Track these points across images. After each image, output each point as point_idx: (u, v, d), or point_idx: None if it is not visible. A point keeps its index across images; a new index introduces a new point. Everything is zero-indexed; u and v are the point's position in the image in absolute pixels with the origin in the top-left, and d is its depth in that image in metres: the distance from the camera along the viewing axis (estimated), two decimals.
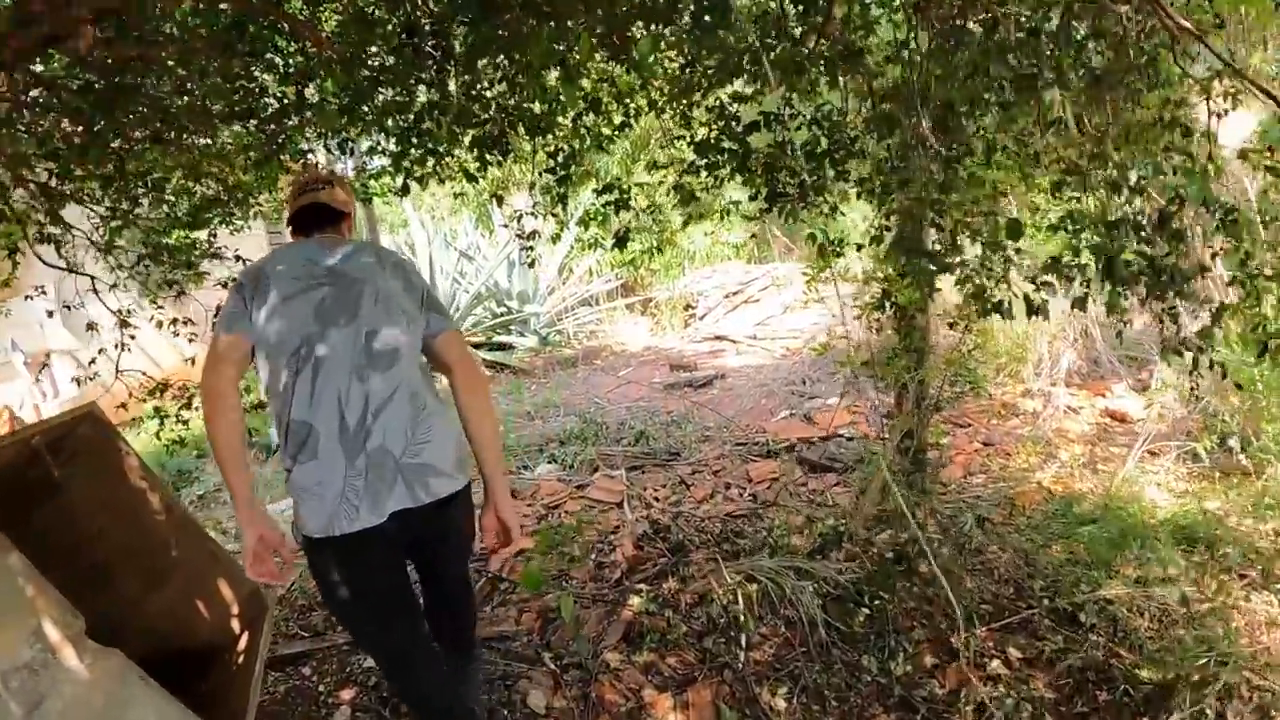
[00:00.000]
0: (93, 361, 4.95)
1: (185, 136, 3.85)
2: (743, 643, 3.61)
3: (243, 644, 3.57)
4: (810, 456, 6.02)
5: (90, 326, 5.09)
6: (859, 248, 3.61)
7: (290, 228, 2.61)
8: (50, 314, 5.51)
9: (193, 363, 4.68)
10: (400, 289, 2.45)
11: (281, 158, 4.27)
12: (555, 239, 12.51)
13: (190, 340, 4.96)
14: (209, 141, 4.18)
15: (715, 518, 5.07)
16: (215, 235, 5.09)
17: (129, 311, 4.85)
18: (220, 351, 2.28)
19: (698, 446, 6.61)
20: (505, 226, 11.89)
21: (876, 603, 3.76)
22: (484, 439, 2.52)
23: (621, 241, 4.22)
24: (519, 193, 11.54)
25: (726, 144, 3.93)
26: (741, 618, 3.66)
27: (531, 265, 7.59)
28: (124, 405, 4.68)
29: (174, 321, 4.90)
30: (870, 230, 3.51)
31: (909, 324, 4.01)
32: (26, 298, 5.30)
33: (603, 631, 3.81)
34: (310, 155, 4.45)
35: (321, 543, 2.30)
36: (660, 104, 4.17)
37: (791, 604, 3.75)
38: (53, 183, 3.98)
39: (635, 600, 4.01)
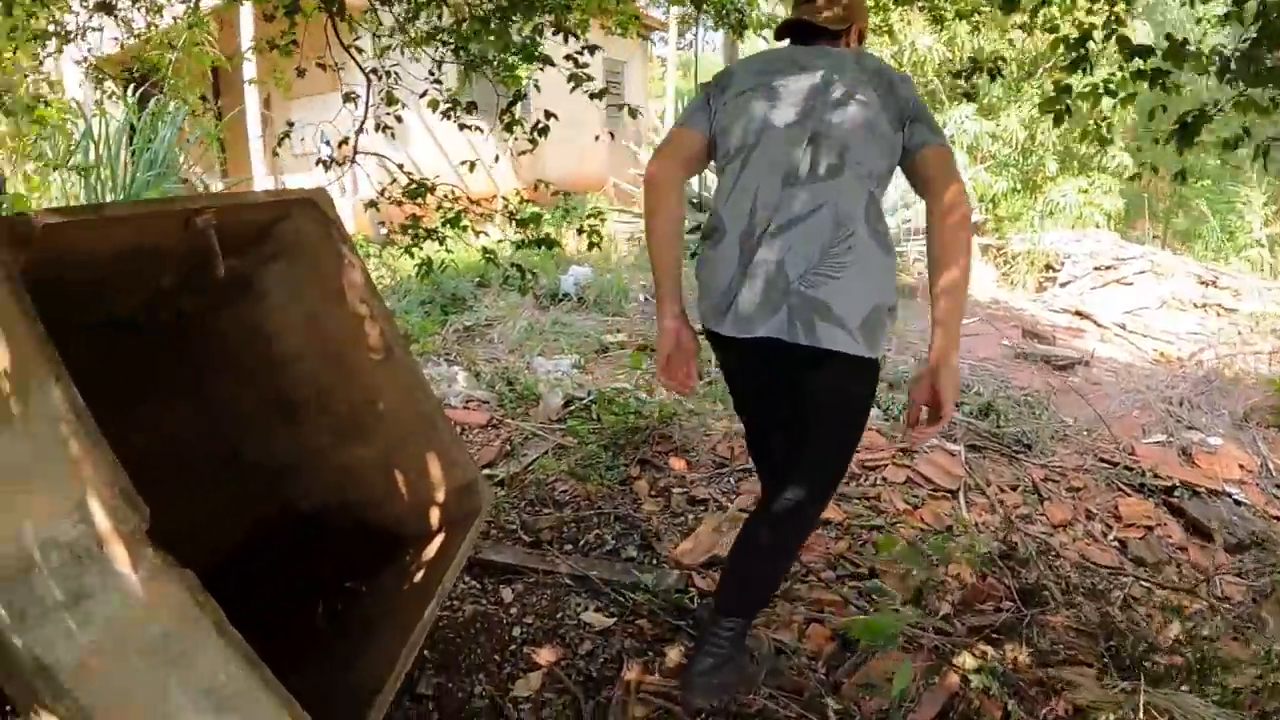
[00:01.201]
0: (401, 166, 4.37)
1: None
2: None
3: (435, 545, 2.66)
4: (1192, 511, 4.28)
5: (381, 127, 4.36)
6: None
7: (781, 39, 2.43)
8: (364, 115, 4.90)
9: (470, 169, 3.79)
10: (875, 99, 2.14)
11: None
12: None
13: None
14: None
15: (1075, 560, 3.63)
16: None
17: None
18: (669, 144, 2.30)
19: (1053, 445, 5.04)
20: None
21: None
22: (947, 276, 2.07)
23: None
24: None
25: None
26: None
27: None
28: (414, 217, 3.86)
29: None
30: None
31: None
32: (345, 98, 4.66)
33: (914, 693, 2.50)
34: None
35: (706, 330, 2.30)
36: None
37: None
38: None
39: (967, 659, 2.71)
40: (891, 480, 4.09)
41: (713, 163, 2.32)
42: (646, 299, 7.75)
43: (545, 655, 2.68)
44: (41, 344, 1.40)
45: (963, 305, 2.09)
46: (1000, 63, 4.48)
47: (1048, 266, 11.95)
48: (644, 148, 12.88)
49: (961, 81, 4.63)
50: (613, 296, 7.44)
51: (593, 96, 3.87)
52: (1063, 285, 11.27)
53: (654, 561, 3.27)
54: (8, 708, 2.32)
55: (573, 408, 4.80)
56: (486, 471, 4.06)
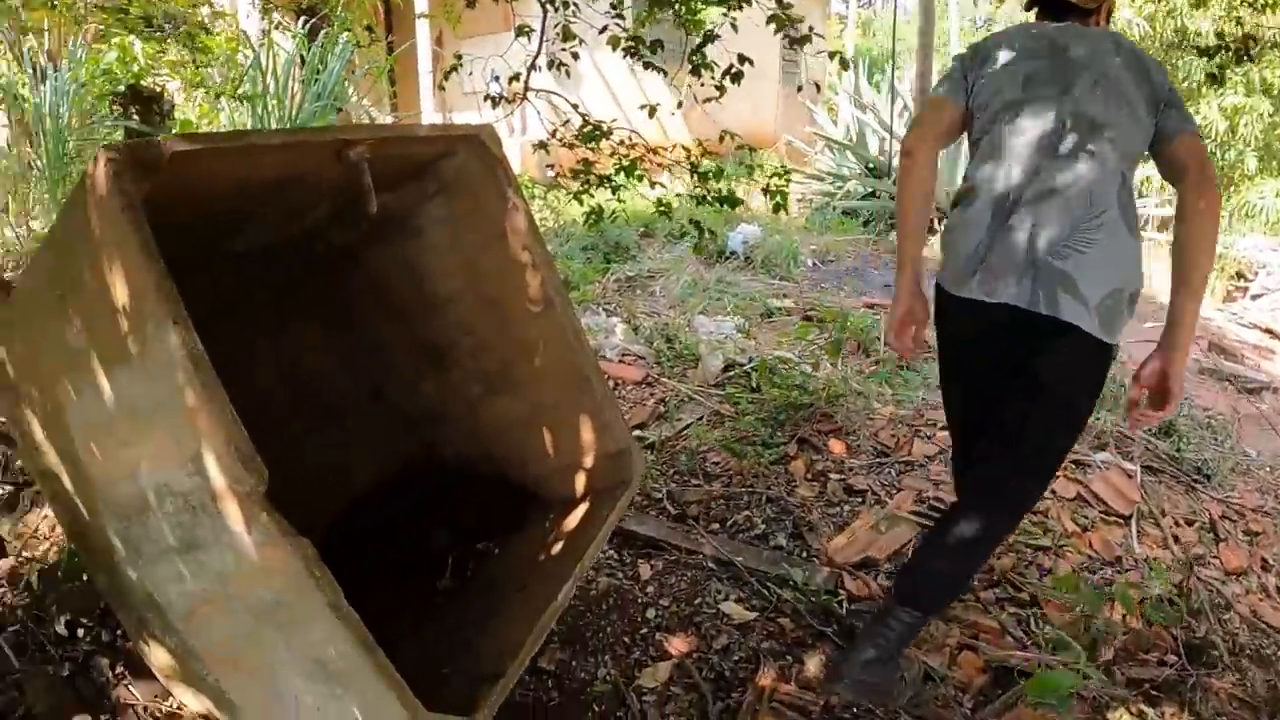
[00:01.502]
0: (576, 106, 4.20)
1: None
2: None
3: (577, 515, 2.49)
4: None
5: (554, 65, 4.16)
6: None
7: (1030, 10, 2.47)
8: (539, 49, 4.74)
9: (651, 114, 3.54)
10: (1131, 81, 2.15)
11: None
12: None
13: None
14: None
15: (1246, 615, 3.08)
16: None
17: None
18: (924, 113, 2.38)
19: (1233, 479, 4.35)
20: None
21: None
22: (1189, 260, 2.07)
23: None
24: None
25: None
26: None
27: None
28: (586, 162, 3.65)
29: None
30: None
31: None
32: (518, 31, 4.51)
33: None
34: None
35: (942, 292, 2.29)
36: None
37: None
38: None
39: (1124, 717, 2.35)
40: (1062, 495, 3.62)
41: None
42: (815, 265, 7.35)
43: (677, 644, 2.49)
44: (160, 282, 1.28)
45: (1201, 290, 2.11)
46: (1250, 41, 3.84)
47: (1239, 275, 10.69)
48: (820, 105, 12.22)
49: (1204, 61, 3.97)
50: (781, 259, 7.06)
51: (794, 43, 3.53)
52: (1254, 298, 9.95)
53: (804, 554, 3.01)
54: (118, 632, 2.38)
55: (732, 373, 4.54)
56: (637, 433, 3.89)
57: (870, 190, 8.94)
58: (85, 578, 2.29)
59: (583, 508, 2.51)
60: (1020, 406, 2.24)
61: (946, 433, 3.89)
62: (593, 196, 3.39)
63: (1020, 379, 2.23)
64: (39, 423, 1.73)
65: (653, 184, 3.35)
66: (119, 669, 2.26)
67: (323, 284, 2.71)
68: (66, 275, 1.44)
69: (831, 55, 3.30)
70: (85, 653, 2.30)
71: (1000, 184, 2.15)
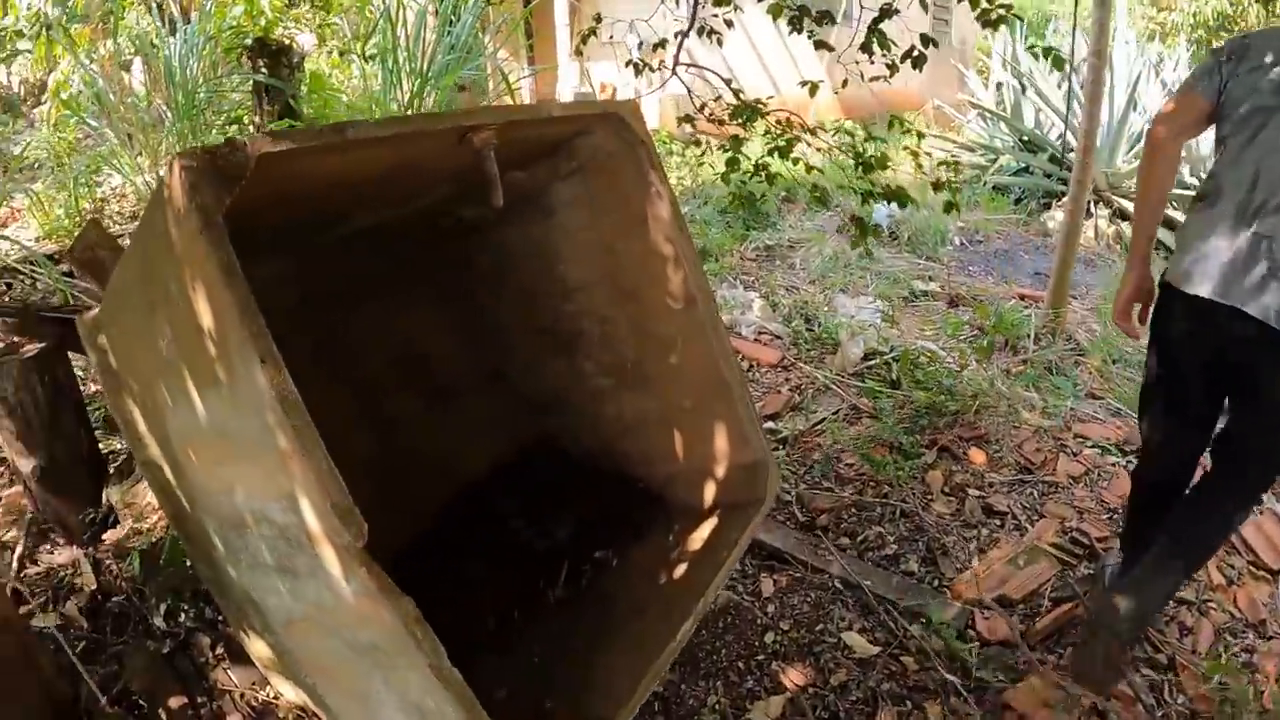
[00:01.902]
0: (730, 81, 3.79)
1: None
2: None
3: (705, 531, 2.33)
4: None
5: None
6: None
7: None
8: (692, 14, 4.44)
9: (812, 93, 3.22)
10: None
11: None
12: None
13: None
14: None
15: None
16: None
17: None
18: (1174, 105, 2.31)
19: None
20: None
21: None
22: None
23: None
24: None
25: None
26: None
27: None
28: (736, 139, 3.35)
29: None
30: None
31: None
32: None
33: None
34: None
35: (1168, 287, 2.26)
36: None
37: None
38: None
39: None
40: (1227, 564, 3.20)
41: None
42: (963, 244, 6.84)
43: (793, 676, 2.31)
44: (244, 316, 1.14)
45: None
46: None
47: None
48: (970, 70, 11.33)
49: None
50: (928, 237, 6.59)
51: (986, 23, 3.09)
52: None
53: (935, 582, 2.76)
54: (220, 616, 2.37)
55: (873, 363, 4.25)
56: (770, 425, 3.68)
57: (1024, 165, 8.24)
58: (187, 562, 2.27)
59: (710, 523, 2.34)
60: (1239, 425, 2.31)
61: (1094, 452, 3.57)
62: (744, 182, 3.11)
63: (1240, 387, 2.26)
64: (140, 415, 1.67)
65: (809, 169, 3.05)
66: (219, 650, 2.26)
67: (445, 261, 2.59)
68: (155, 282, 1.32)
69: (985, 17, 2.85)
70: (187, 630, 2.30)
71: (1245, 188, 2.11)
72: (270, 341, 1.15)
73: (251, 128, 4.44)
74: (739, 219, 6.30)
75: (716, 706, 2.20)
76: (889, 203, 2.97)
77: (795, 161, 2.98)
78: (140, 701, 2.17)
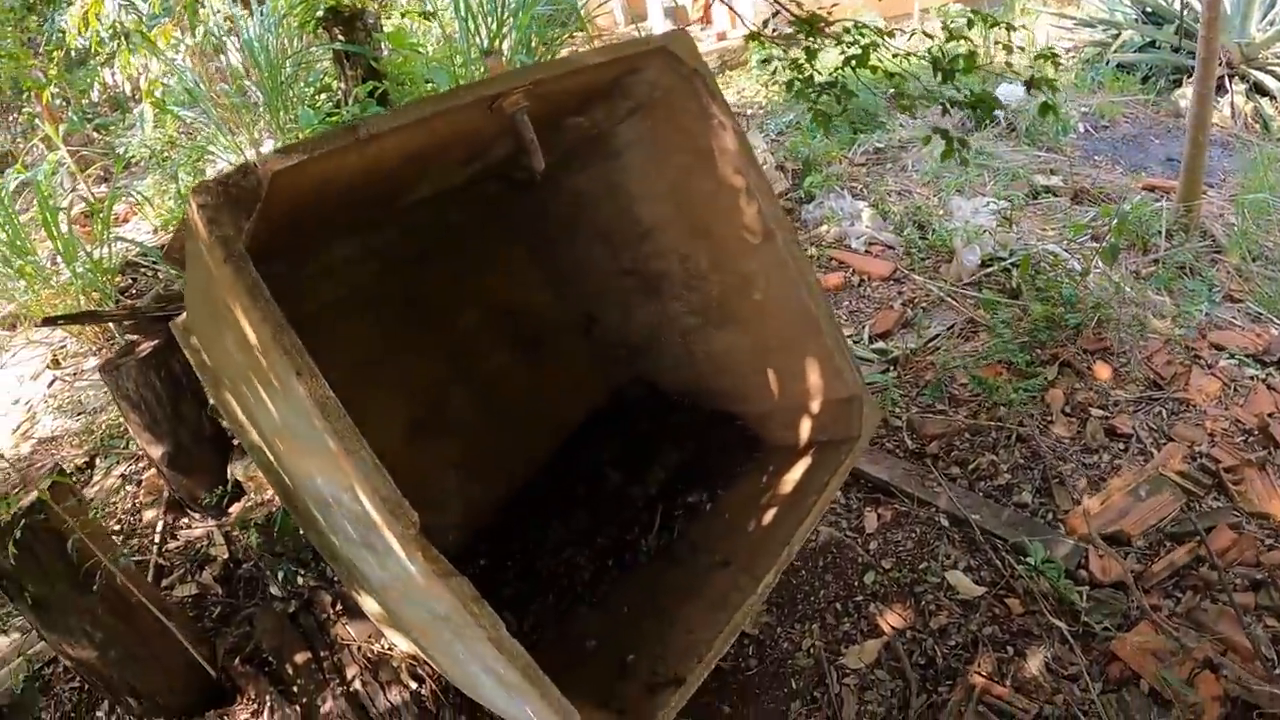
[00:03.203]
0: None
1: None
2: None
3: (799, 469, 2.26)
4: None
5: None
6: None
7: None
8: None
9: None
10: None
11: None
12: None
13: None
14: None
15: None
16: None
17: None
18: None
19: None
20: None
21: None
22: None
23: None
24: None
25: None
26: None
27: None
28: (809, 51, 3.08)
29: None
30: None
31: None
32: None
33: None
34: None
35: None
36: None
37: None
38: None
39: None
40: None
41: None
42: (1087, 130, 6.28)
43: (891, 619, 2.25)
44: (276, 334, 1.19)
45: None
46: None
47: None
48: None
49: None
50: (1048, 126, 6.07)
51: None
52: None
53: (1049, 515, 2.62)
54: (335, 580, 2.49)
55: (990, 270, 4.00)
56: (880, 345, 3.57)
57: (1149, 40, 7.38)
58: (300, 531, 2.40)
59: (804, 463, 2.27)
60: None
61: (1230, 364, 3.26)
62: (814, 101, 2.89)
63: None
64: (237, 405, 1.76)
65: (890, 75, 2.79)
66: (338, 607, 2.39)
67: (523, 213, 2.58)
68: (209, 296, 1.39)
69: None
70: (310, 589, 2.44)
71: None
72: (303, 355, 1.19)
73: (340, 94, 4.52)
74: (846, 123, 5.96)
75: (811, 650, 2.18)
76: (1028, 90, 2.64)
77: (874, 70, 2.75)
78: (269, 659, 2.33)
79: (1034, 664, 2.13)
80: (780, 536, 1.93)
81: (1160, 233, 4.21)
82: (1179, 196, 4.33)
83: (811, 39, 2.65)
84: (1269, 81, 6.36)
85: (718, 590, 1.88)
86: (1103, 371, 3.22)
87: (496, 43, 4.83)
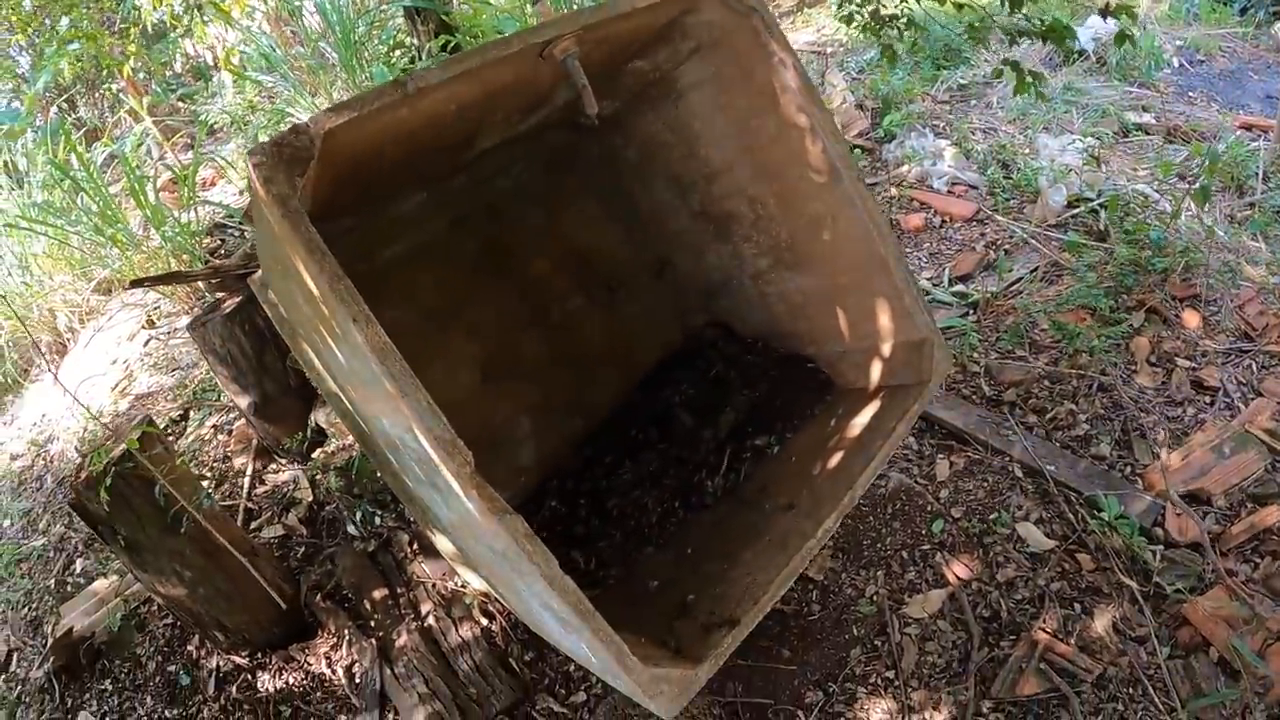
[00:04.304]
0: None
1: None
2: None
3: (868, 413, 2.23)
4: None
5: None
6: None
7: None
8: None
9: None
10: None
11: None
12: None
13: None
14: None
15: None
16: None
17: None
18: None
19: None
20: None
21: None
22: None
23: None
24: None
25: None
26: None
27: None
28: None
29: None
30: None
31: None
32: None
33: None
34: None
35: None
36: None
37: None
38: None
39: None
40: None
41: None
42: (1182, 65, 5.91)
43: (957, 570, 2.22)
44: (334, 284, 1.24)
45: None
46: None
47: None
48: None
49: None
50: (1140, 60, 5.73)
51: None
52: None
53: (1128, 468, 2.53)
54: (411, 521, 2.58)
55: (1078, 210, 3.84)
56: (959, 289, 3.48)
57: None
58: (378, 474, 2.49)
59: (874, 407, 2.24)
60: None
61: None
62: (876, 35, 2.77)
63: None
64: (312, 354, 1.83)
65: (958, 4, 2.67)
66: (414, 546, 2.47)
67: (592, 159, 2.59)
68: (276, 252, 1.45)
69: None
70: (389, 529, 2.54)
71: None
72: (359, 302, 1.24)
73: (414, 50, 4.57)
74: (929, 58, 5.74)
75: (874, 598, 2.17)
76: (1105, 17, 2.51)
77: (942, 1, 2.64)
78: (349, 595, 2.44)
79: (1101, 623, 2.08)
80: (845, 481, 1.92)
81: (1257, 174, 3.97)
82: (1276, 136, 4.06)
83: None
84: None
85: (780, 534, 1.88)
86: (1191, 320, 3.08)
87: None
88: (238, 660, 2.47)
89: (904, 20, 2.69)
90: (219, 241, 4.63)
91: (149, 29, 5.51)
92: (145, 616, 2.69)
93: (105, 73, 6.04)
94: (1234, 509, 2.36)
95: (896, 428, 2.06)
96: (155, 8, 4.59)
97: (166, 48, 6.47)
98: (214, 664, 2.49)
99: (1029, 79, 2.65)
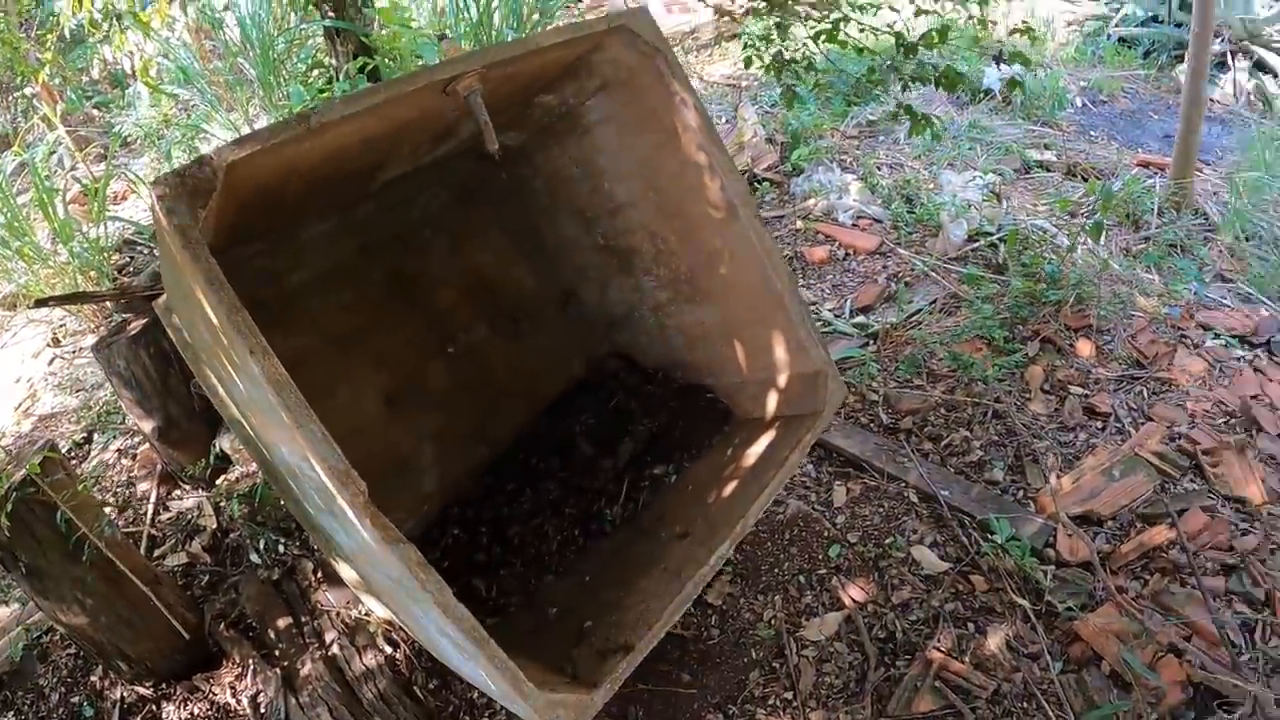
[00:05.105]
0: None
1: None
2: None
3: (763, 444, 2.31)
4: None
5: None
6: None
7: None
8: None
9: None
10: None
11: None
12: None
13: None
14: None
15: None
16: None
17: None
18: None
19: None
20: None
21: None
22: None
23: None
24: None
25: None
26: None
27: None
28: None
29: None
30: None
31: None
32: None
33: None
34: None
35: None
36: None
37: None
38: None
39: None
40: None
41: None
42: (1084, 105, 6.22)
43: (853, 593, 2.30)
44: (231, 315, 1.26)
45: None
46: None
47: None
48: None
49: None
50: (1044, 100, 6.01)
51: None
52: None
53: (1020, 493, 2.66)
54: (315, 548, 2.57)
55: (977, 244, 4.01)
56: (860, 320, 3.60)
57: (1151, 14, 7.26)
58: (281, 502, 2.47)
59: (768, 438, 2.32)
60: None
61: (1217, 344, 3.27)
62: (782, 73, 2.88)
63: None
64: (215, 380, 1.82)
65: (860, 51, 2.78)
66: (318, 574, 2.46)
67: (500, 190, 2.63)
68: (177, 282, 1.47)
69: None
70: (294, 557, 2.52)
71: None
72: (256, 335, 1.26)
73: (331, 70, 4.54)
74: (839, 94, 5.92)
75: (772, 622, 2.23)
76: (998, 65, 2.66)
77: (843, 45, 2.76)
78: (253, 624, 2.41)
79: (994, 641, 2.17)
80: (738, 509, 1.98)
81: (1152, 209, 4.20)
82: (1172, 173, 4.32)
83: (780, 14, 2.66)
84: (1271, 59, 6.29)
85: (676, 561, 1.93)
86: (1085, 349, 3.24)
87: (486, 19, 4.82)
88: (142, 691, 2.42)
89: (804, 64, 2.80)
90: (128, 259, 4.52)
91: (67, 35, 5.37)
92: (48, 646, 2.62)
93: (20, 78, 5.86)
94: (1124, 529, 2.49)
95: (790, 456, 2.13)
96: (74, 13, 4.47)
97: (84, 53, 6.31)
98: (118, 695, 2.43)
99: (922, 121, 2.78)
